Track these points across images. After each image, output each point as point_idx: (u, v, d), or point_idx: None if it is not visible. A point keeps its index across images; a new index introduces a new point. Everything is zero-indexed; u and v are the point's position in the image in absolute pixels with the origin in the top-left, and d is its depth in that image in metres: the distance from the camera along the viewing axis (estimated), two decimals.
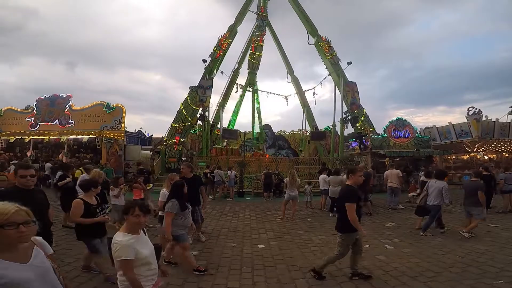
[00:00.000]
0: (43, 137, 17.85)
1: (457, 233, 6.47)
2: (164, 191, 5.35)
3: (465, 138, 19.42)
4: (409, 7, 77.04)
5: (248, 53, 26.03)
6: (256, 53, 25.39)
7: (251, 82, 27.03)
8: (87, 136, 17.35)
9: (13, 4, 66.13)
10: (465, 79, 78.81)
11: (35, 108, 19.34)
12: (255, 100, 27.92)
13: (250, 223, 7.99)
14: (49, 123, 18.80)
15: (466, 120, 19.08)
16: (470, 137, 19.00)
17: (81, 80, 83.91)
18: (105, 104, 18.50)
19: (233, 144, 25.51)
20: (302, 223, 8.09)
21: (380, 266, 4.70)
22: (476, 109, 18.61)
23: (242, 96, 28.14)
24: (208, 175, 12.93)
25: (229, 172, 13.47)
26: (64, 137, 17.49)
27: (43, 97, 19.41)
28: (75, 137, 17.70)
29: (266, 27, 27.99)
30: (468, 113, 18.79)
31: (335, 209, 9.04)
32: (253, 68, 26.04)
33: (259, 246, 5.84)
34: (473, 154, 20.74)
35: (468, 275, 4.26)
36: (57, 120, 18.73)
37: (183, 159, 19.50)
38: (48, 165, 15.86)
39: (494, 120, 19.73)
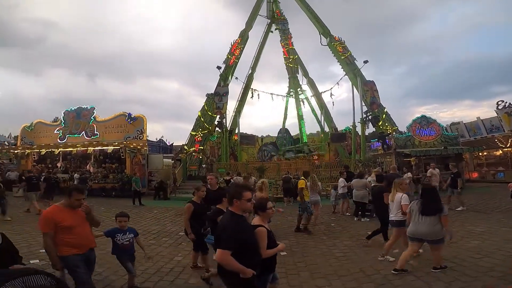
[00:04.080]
0: (72, 149, 18.75)
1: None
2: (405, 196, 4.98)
3: (496, 133, 18.33)
4: (422, 1, 74.35)
5: (283, 59, 25.50)
6: (291, 56, 24.94)
7: (294, 87, 26.31)
8: (112, 147, 18.03)
9: (33, 16, 71.06)
10: (490, 72, 74.59)
11: (63, 121, 20.33)
12: (299, 106, 26.79)
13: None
14: (76, 135, 19.73)
15: (495, 114, 18.03)
16: (502, 131, 17.93)
17: (102, 90, 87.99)
18: (127, 114, 19.15)
19: (251, 149, 25.61)
20: (325, 228, 7.89)
21: (411, 271, 4.47)
22: (506, 102, 17.55)
23: (287, 102, 27.66)
24: (230, 181, 12.97)
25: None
26: (91, 149, 18.28)
27: (69, 110, 20.38)
28: (100, 148, 18.46)
29: (278, 30, 28.00)
30: (497, 107, 17.78)
31: (359, 213, 8.80)
32: (293, 73, 25.49)
33: (281, 253, 5.74)
34: (507, 149, 19.46)
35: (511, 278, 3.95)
36: (83, 132, 19.64)
37: (203, 166, 19.79)
38: (76, 175, 16.69)
39: None
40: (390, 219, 5.19)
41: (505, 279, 4.03)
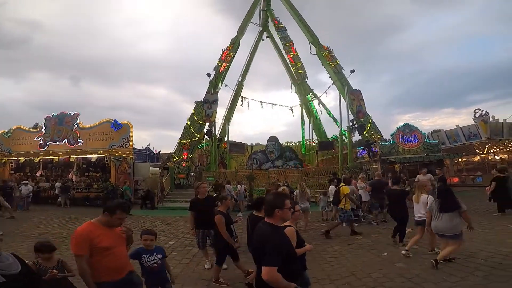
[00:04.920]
0: (53, 157, 18.07)
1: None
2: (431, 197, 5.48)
3: (474, 140, 19.17)
4: (407, 11, 77.93)
5: (290, 66, 25.59)
6: (298, 63, 24.98)
7: (304, 93, 26.49)
8: (96, 156, 17.52)
9: (18, 17, 68.51)
10: (469, 81, 78.61)
11: (44, 127, 19.48)
12: (313, 112, 27.08)
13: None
14: (58, 142, 18.98)
15: (473, 122, 18.90)
16: (479, 138, 18.78)
17: (86, 95, 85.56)
18: (112, 121, 18.63)
19: (240, 157, 25.56)
20: (315, 234, 7.96)
21: (401, 274, 4.59)
22: (483, 110, 18.46)
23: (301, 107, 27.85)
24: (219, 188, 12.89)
25: (238, 186, 13.42)
26: (74, 157, 17.70)
27: (51, 115, 19.57)
28: (84, 156, 17.90)
29: (268, 38, 28.43)
30: (475, 115, 18.63)
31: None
32: (303, 79, 25.55)
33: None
34: (484, 155, 20.39)
35: (495, 278, 4.15)
36: (65, 139, 18.93)
37: (192, 174, 19.57)
38: (58, 184, 16.09)
39: (502, 120, 19.51)
40: (416, 218, 5.66)
41: (488, 279, 4.20)
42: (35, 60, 75.04)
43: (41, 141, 19.26)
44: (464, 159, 21.29)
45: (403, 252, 5.50)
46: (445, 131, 21.22)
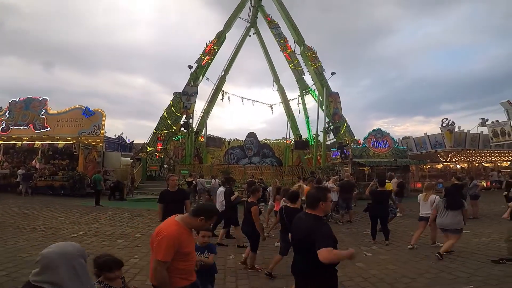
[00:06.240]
0: (16, 142, 16.95)
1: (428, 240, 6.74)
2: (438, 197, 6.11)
3: (439, 148, 20.36)
4: (396, 17, 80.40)
5: (287, 63, 24.92)
6: (295, 60, 24.41)
7: (304, 88, 25.90)
8: (64, 142, 16.65)
9: None
10: (441, 90, 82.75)
11: (8, 111, 18.26)
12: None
13: (234, 232, 7.92)
14: (22, 127, 17.86)
15: (440, 131, 20.04)
16: (444, 147, 19.93)
17: (59, 82, 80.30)
18: (84, 108, 17.87)
19: (217, 152, 25.38)
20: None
21: (359, 273, 4.82)
22: (450, 120, 19.53)
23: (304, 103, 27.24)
24: (192, 183, 12.78)
25: (212, 180, 13.33)
26: (38, 143, 16.71)
27: (16, 100, 18.45)
28: (50, 142, 16.93)
29: (255, 35, 28.21)
30: (442, 124, 19.69)
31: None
32: (300, 74, 24.95)
33: (243, 255, 5.80)
34: (446, 163, 21.76)
35: (442, 281, 4.46)
36: (31, 124, 17.86)
37: (165, 166, 19.18)
38: (20, 171, 15.12)
39: (465, 131, 20.89)
40: (420, 215, 6.38)
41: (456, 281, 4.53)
42: (6, 44, 69.05)
43: (4, 125, 17.98)
44: (429, 166, 22.59)
45: (409, 247, 6.13)
46: (414, 138, 22.38)
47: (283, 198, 6.29)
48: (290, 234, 3.12)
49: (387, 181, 8.53)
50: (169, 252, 2.23)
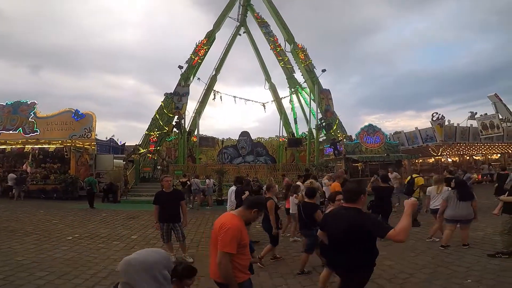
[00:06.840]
0: (5, 147, 16.55)
1: (426, 234, 6.85)
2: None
3: (430, 142, 20.70)
4: (384, 14, 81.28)
5: (278, 61, 24.93)
6: (285, 58, 24.47)
7: (293, 86, 26.17)
8: (54, 146, 16.34)
9: None
10: (431, 85, 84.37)
11: None
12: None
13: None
14: (11, 131, 17.44)
15: (430, 126, 20.34)
16: (435, 141, 20.27)
17: (48, 85, 78.57)
18: (74, 111, 17.56)
19: (210, 152, 25.27)
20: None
21: None
22: (440, 114, 19.81)
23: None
24: (186, 184, 12.69)
25: (207, 180, 13.29)
26: (29, 147, 16.36)
27: (4, 104, 18.03)
28: (40, 146, 16.59)
29: (245, 34, 28.12)
30: (432, 118, 19.97)
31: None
32: (291, 72, 25.11)
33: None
34: (438, 157, 22.13)
35: (440, 275, 4.52)
36: (20, 128, 17.45)
37: (158, 167, 18.99)
38: (11, 175, 14.81)
39: (455, 125, 21.29)
40: (431, 207, 6.61)
41: (434, 277, 4.61)
42: None
43: None
44: (421, 160, 22.94)
45: (427, 239, 6.36)
46: (405, 133, 22.69)
47: (294, 195, 6.41)
48: (319, 231, 3.04)
49: (415, 175, 8.95)
50: (235, 243, 2.28)
